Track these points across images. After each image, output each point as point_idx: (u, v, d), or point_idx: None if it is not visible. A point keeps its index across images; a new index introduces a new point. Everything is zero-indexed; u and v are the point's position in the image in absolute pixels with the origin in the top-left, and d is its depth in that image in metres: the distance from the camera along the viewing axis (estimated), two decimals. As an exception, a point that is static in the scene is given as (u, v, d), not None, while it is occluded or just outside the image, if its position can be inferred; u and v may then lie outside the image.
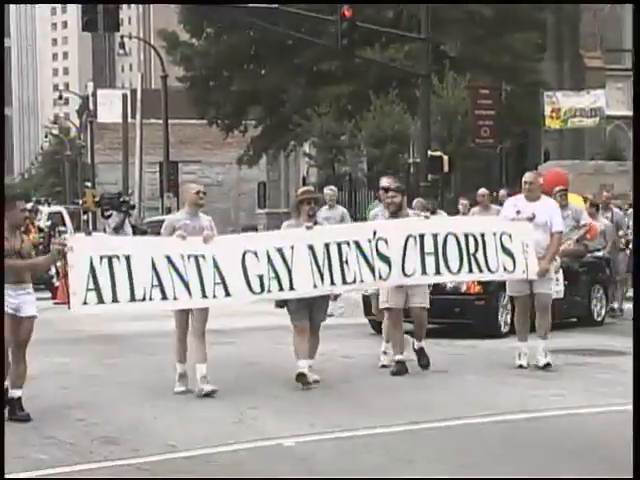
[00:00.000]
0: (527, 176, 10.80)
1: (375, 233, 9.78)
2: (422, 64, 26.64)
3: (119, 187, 41.39)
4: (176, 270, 8.91)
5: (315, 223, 9.72)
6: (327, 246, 9.51)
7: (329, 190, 15.96)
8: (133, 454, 7.02)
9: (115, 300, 8.70)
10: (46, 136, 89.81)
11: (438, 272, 10.02)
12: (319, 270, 9.46)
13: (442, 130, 28.38)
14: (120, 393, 9.43)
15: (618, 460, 6.71)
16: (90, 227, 41.44)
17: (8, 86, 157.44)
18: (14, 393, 8.08)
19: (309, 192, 10.20)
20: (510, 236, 10.21)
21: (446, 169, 25.53)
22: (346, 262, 9.57)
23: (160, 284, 8.84)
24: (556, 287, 11.09)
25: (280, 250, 9.35)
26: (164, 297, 8.86)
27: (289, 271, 9.33)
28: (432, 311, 10.50)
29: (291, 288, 9.38)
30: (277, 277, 9.29)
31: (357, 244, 9.66)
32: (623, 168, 26.06)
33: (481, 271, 10.18)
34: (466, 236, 10.06)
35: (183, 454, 7.03)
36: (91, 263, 8.57)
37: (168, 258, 8.92)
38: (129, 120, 45.06)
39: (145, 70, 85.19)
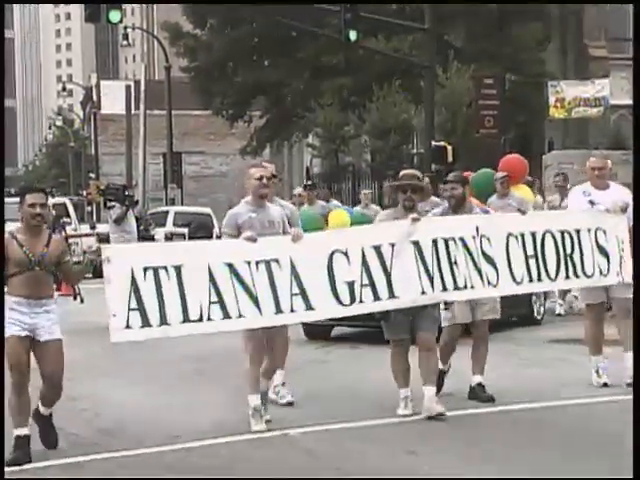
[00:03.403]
0: (596, 161, 9.29)
1: (478, 229, 8.05)
2: (426, 55, 26.60)
3: (123, 178, 41.38)
4: (241, 282, 7.19)
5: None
6: (435, 242, 7.81)
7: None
8: (137, 445, 7.04)
9: (164, 322, 7.01)
10: (50, 128, 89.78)
11: (539, 279, 8.41)
12: (428, 273, 7.73)
13: (446, 121, 28.35)
14: (125, 384, 9.44)
15: (620, 451, 6.72)
16: (94, 218, 41.48)
17: (12, 78, 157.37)
18: (43, 410, 6.97)
19: (407, 177, 8.14)
20: (605, 232, 8.67)
21: (450, 159, 25.49)
22: (455, 263, 7.87)
23: (220, 300, 7.12)
24: None
25: (378, 248, 7.61)
26: (226, 315, 7.14)
27: (388, 275, 7.59)
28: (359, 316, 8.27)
29: (391, 296, 7.62)
30: (372, 284, 7.57)
31: (463, 241, 7.94)
32: (627, 157, 25.98)
33: (577, 276, 8.60)
34: (562, 234, 8.49)
35: (188, 445, 7.04)
36: (133, 277, 6.94)
37: (230, 266, 7.19)
38: (133, 111, 44.97)
39: (149, 61, 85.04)
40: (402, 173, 8.37)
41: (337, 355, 11.13)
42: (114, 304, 6.92)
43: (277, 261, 7.29)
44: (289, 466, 6.52)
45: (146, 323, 6.97)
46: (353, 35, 24.07)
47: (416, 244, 7.72)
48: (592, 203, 8.94)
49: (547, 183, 22.28)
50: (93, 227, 25.24)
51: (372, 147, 32.82)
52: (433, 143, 25.54)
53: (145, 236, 22.07)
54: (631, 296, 8.89)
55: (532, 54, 32.00)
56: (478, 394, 8.41)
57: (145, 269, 6.98)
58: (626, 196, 9.05)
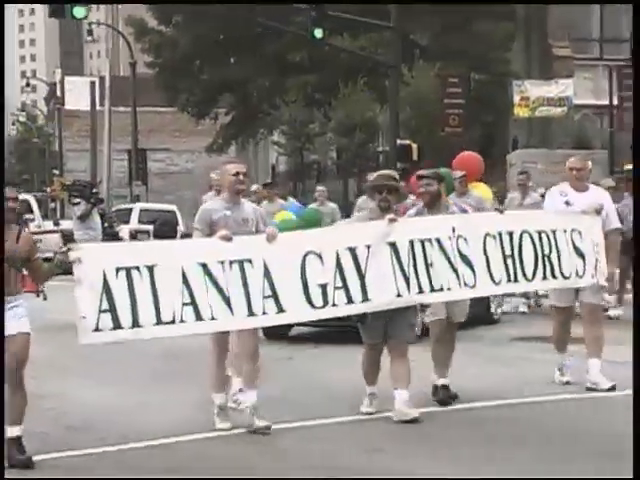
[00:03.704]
0: (574, 161, 9.06)
1: (454, 229, 7.92)
2: (391, 53, 26.71)
3: (87, 175, 41.12)
4: (214, 282, 7.03)
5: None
6: (412, 243, 7.67)
7: (216, 175, 12.21)
8: (101, 442, 7.03)
9: (137, 324, 6.83)
10: (13, 124, 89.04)
11: (516, 279, 8.29)
12: (404, 274, 7.59)
13: (411, 119, 28.47)
14: (93, 383, 9.40)
15: (584, 447, 6.80)
16: (58, 215, 41.19)
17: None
18: (10, 431, 6.46)
19: (383, 177, 7.97)
20: (580, 233, 8.58)
21: (415, 157, 25.62)
22: (431, 264, 7.73)
23: (193, 301, 6.95)
24: None
25: (353, 250, 7.46)
26: (199, 318, 6.97)
27: (362, 277, 7.44)
28: None
29: (365, 299, 7.47)
30: (345, 286, 7.41)
31: (439, 242, 7.81)
32: (592, 157, 26.19)
33: (555, 277, 8.45)
34: (539, 234, 8.37)
35: (151, 442, 7.06)
36: (105, 278, 6.74)
37: (204, 267, 7.00)
38: (97, 107, 44.73)
39: (113, 57, 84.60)
40: (378, 173, 8.19)
41: (301, 354, 11.14)
42: (84, 306, 6.71)
43: (250, 262, 7.12)
44: (253, 464, 6.54)
45: (117, 325, 6.77)
46: (319, 33, 24.15)
47: (392, 245, 7.58)
48: (568, 204, 8.82)
49: (511, 182, 22.44)
50: (57, 224, 25.12)
51: (337, 145, 32.89)
52: (398, 141, 25.66)
53: (109, 233, 21.90)
54: (599, 303, 8.94)
55: (497, 53, 32.19)
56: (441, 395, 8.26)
57: (117, 269, 6.78)
58: (603, 198, 8.97)
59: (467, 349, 10.59)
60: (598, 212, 8.72)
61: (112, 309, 6.74)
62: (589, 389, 8.65)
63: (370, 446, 6.90)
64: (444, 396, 8.21)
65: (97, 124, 43.34)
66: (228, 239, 7.07)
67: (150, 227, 28.46)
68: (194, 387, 8.79)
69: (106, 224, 20.80)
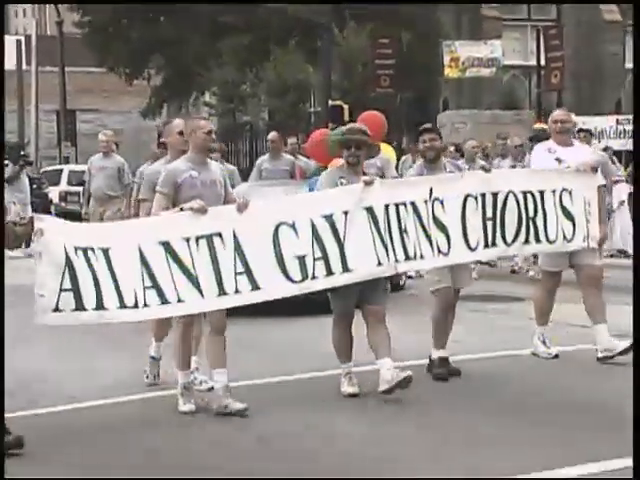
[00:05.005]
0: (558, 114, 8.40)
1: (432, 191, 7.33)
2: (323, 14, 26.65)
3: (14, 136, 40.41)
4: (178, 262, 6.41)
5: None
6: (387, 208, 7.08)
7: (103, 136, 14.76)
8: (31, 405, 6.99)
9: (101, 306, 6.33)
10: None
11: (494, 243, 7.69)
12: (382, 241, 7.00)
13: (343, 79, 28.46)
14: (19, 344, 9.30)
15: (519, 401, 6.95)
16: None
17: None
18: None
19: (352, 131, 7.37)
20: (570, 193, 7.94)
21: (347, 118, 25.65)
22: (405, 230, 7.16)
23: (155, 284, 6.37)
24: None
25: (329, 217, 6.86)
26: (164, 301, 6.41)
27: (341, 246, 6.86)
28: None
29: (345, 270, 6.87)
30: (325, 257, 6.81)
31: (413, 206, 7.23)
32: (519, 117, 26.50)
33: (538, 241, 7.86)
34: (524, 195, 7.77)
35: (83, 404, 7.04)
36: (67, 254, 6.22)
37: (165, 245, 6.40)
38: (24, 67, 43.88)
39: (40, 16, 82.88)
40: (346, 127, 7.59)
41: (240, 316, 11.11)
42: (44, 283, 6.26)
43: (220, 235, 6.50)
44: (187, 423, 6.58)
45: (80, 306, 6.30)
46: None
47: (369, 210, 6.97)
48: (559, 161, 8.10)
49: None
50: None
51: (269, 106, 32.76)
52: (330, 102, 25.69)
53: (39, 194, 21.57)
54: (599, 263, 8.27)
55: (427, 12, 32.21)
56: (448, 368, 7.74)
57: (76, 248, 6.26)
58: (589, 153, 8.53)
59: (402, 312, 10.72)
60: (595, 169, 8.07)
61: (75, 288, 6.26)
62: (602, 358, 7.99)
63: (314, 407, 6.91)
64: (444, 372, 7.68)
65: (24, 84, 42.56)
66: (204, 211, 6.44)
67: (80, 189, 28.13)
68: (124, 347, 8.79)
69: (35, 186, 20.47)
